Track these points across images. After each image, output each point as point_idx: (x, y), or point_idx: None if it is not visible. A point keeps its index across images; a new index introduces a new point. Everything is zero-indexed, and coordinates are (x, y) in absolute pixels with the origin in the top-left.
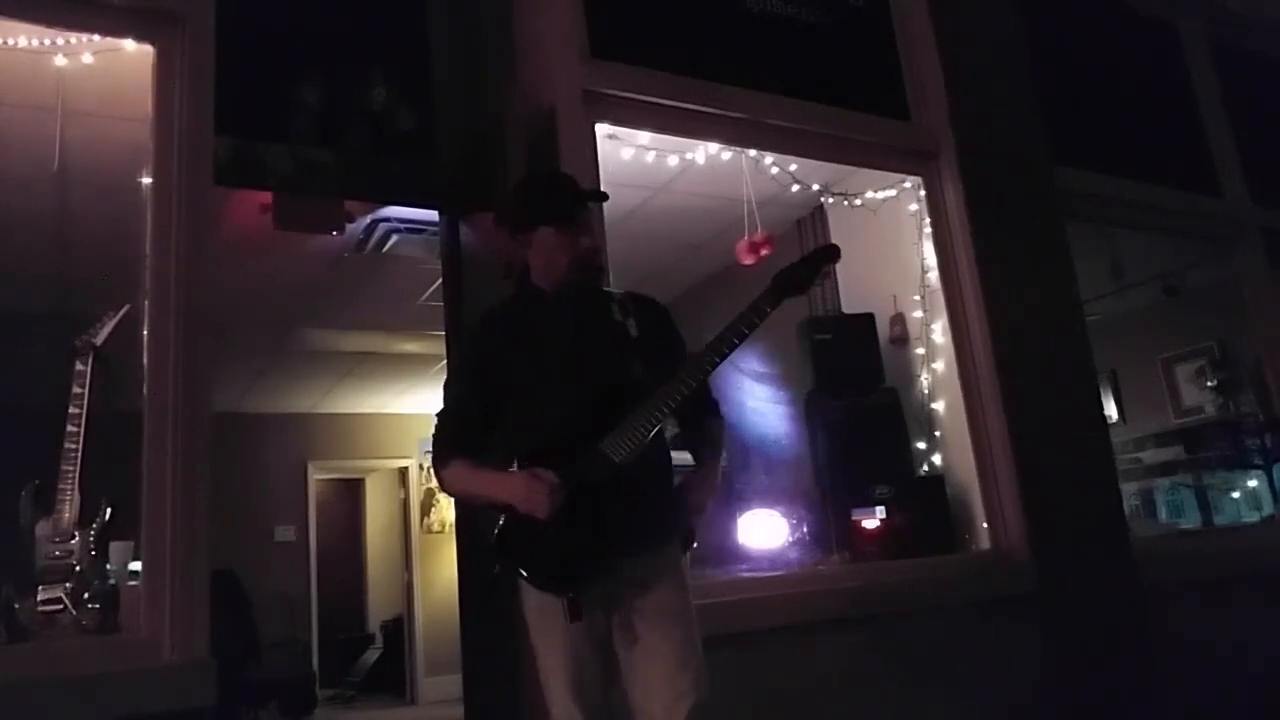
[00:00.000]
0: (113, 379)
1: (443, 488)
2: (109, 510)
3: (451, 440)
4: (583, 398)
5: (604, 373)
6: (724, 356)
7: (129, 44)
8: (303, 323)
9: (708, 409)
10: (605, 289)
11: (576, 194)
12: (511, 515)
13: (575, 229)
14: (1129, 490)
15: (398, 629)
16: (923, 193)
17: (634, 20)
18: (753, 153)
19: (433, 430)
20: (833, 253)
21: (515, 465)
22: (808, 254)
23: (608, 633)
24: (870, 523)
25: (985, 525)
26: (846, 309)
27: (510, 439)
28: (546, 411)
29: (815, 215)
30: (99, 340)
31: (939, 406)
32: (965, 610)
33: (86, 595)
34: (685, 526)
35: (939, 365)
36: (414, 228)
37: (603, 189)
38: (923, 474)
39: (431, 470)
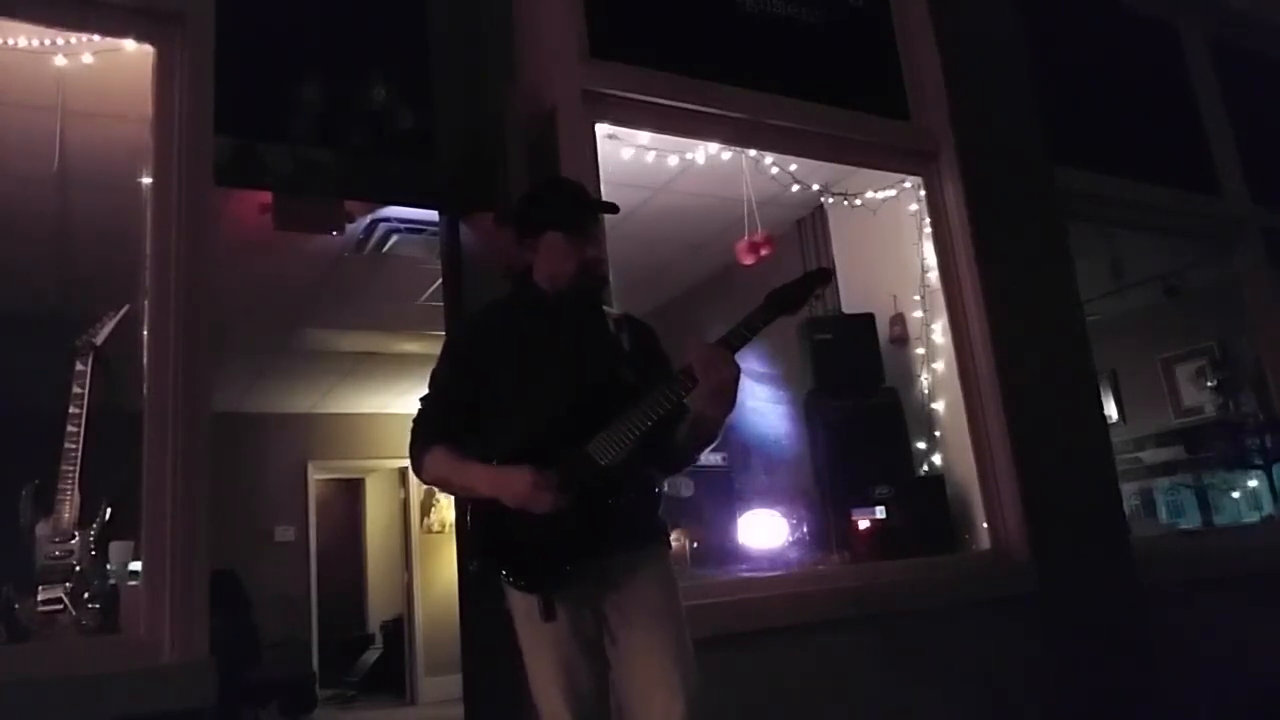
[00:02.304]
0: (113, 379)
1: (417, 471)
2: (109, 510)
3: (437, 425)
4: (573, 399)
5: (596, 375)
6: None
7: (129, 44)
8: (303, 323)
9: None
10: (604, 305)
11: (587, 203)
12: (484, 510)
13: (583, 237)
14: (1129, 490)
15: (398, 629)
16: (923, 193)
17: (634, 20)
18: (753, 153)
19: (416, 412)
20: (825, 275)
21: (495, 462)
22: (801, 275)
23: (597, 634)
24: (863, 523)
25: (985, 525)
26: (846, 309)
27: (494, 435)
28: (535, 410)
29: (815, 215)
30: (99, 340)
31: (939, 406)
32: (965, 610)
33: (86, 595)
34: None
35: (939, 365)
36: (414, 228)
37: (603, 189)
38: (923, 474)
39: (408, 449)
